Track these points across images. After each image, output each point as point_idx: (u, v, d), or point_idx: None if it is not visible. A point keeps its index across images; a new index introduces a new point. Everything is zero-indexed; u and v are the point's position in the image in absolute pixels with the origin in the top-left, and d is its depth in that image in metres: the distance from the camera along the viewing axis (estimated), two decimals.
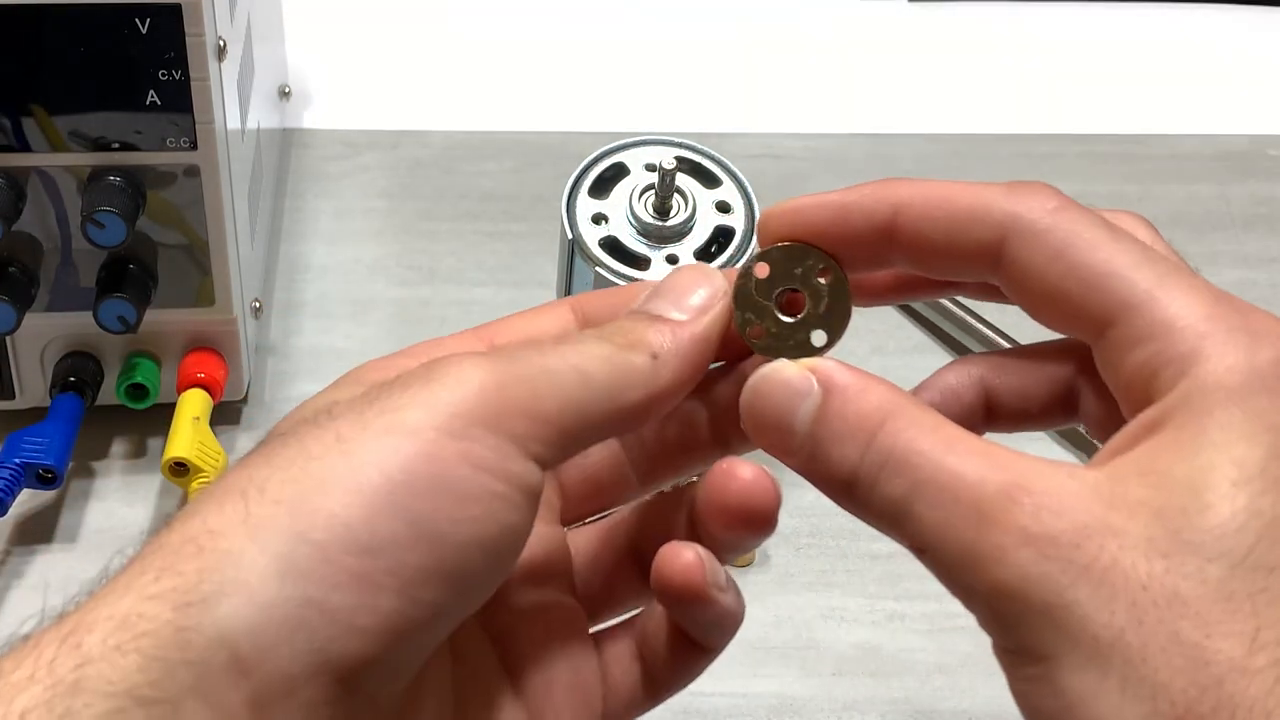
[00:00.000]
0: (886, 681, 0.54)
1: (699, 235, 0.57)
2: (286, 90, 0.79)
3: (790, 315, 0.36)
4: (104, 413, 0.60)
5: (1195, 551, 0.28)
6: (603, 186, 0.58)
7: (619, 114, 0.81)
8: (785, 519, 0.59)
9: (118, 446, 0.61)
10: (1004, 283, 0.34)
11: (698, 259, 0.56)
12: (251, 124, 0.64)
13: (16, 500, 0.56)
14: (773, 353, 0.35)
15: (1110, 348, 0.32)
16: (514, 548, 0.32)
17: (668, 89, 0.83)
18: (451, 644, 0.35)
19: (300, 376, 0.65)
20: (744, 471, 0.35)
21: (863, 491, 0.32)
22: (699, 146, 0.58)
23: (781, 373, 0.34)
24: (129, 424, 0.61)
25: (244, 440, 0.62)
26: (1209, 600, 0.28)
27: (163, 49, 0.53)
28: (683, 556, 0.35)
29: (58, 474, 0.56)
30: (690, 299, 0.35)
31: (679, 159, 0.57)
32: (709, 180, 0.58)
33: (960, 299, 0.68)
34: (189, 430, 0.57)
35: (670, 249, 0.57)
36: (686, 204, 0.57)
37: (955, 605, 0.31)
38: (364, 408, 0.32)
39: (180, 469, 0.56)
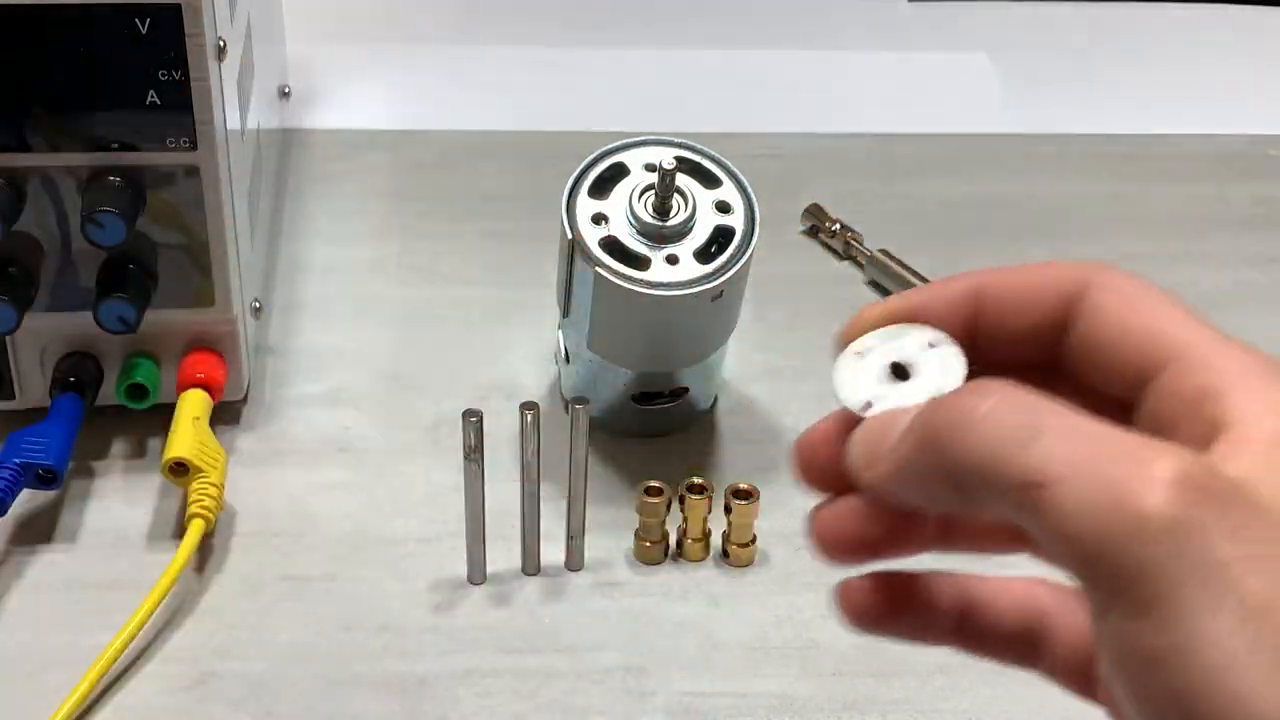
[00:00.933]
0: (886, 681, 0.54)
1: (699, 235, 0.57)
2: (286, 90, 0.79)
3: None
4: (104, 413, 0.60)
5: None
6: (603, 186, 0.58)
7: (619, 114, 0.81)
8: (785, 519, 0.59)
9: (118, 446, 0.61)
10: (1075, 338, 0.35)
11: (697, 259, 0.56)
12: (251, 124, 0.64)
13: (16, 500, 0.56)
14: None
15: (1171, 377, 0.33)
16: None
17: (668, 89, 0.84)
18: None
19: (300, 376, 0.65)
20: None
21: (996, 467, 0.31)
22: (699, 146, 0.58)
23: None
24: (129, 424, 0.61)
25: (244, 440, 0.62)
26: None
27: (162, 49, 0.53)
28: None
29: (58, 474, 0.56)
30: None
31: (679, 159, 0.57)
32: (709, 180, 0.58)
33: None
34: (189, 430, 0.57)
35: (670, 249, 0.57)
36: (686, 204, 0.57)
37: None
38: None
39: (180, 469, 0.56)
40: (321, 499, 0.60)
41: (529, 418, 0.52)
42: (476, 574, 0.56)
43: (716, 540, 0.58)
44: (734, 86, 0.84)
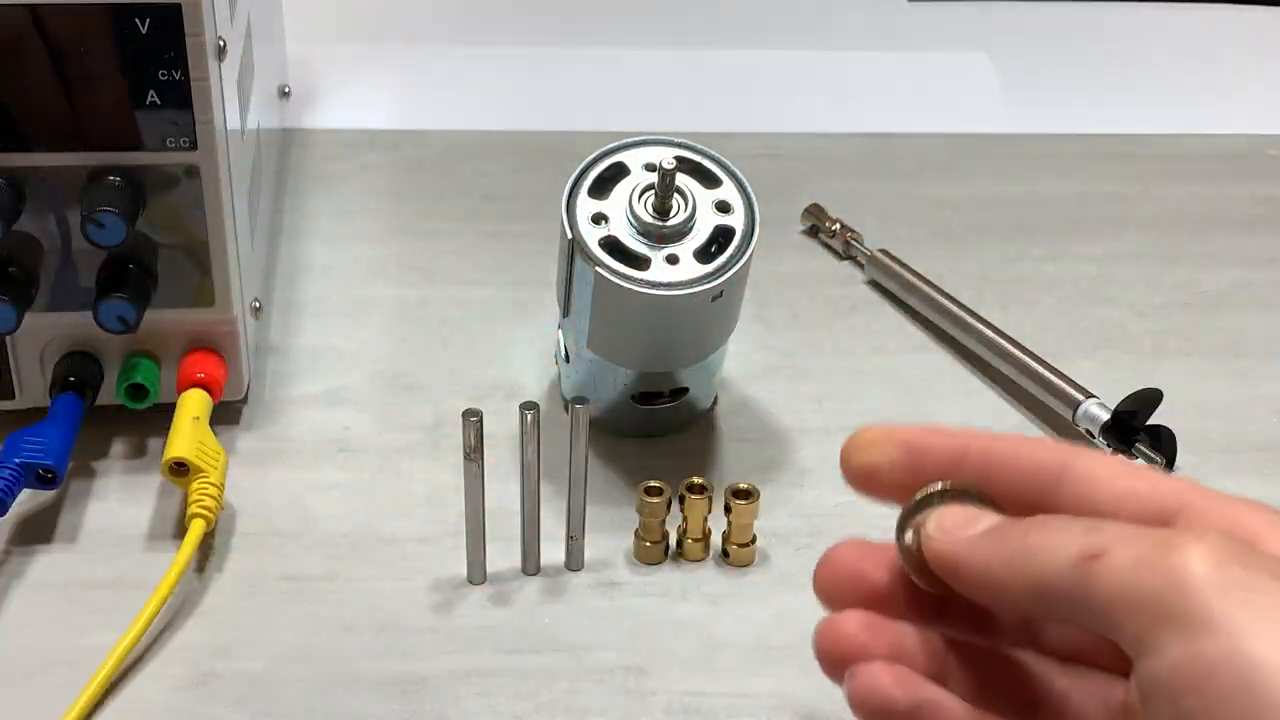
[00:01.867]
0: None
1: (699, 235, 0.57)
2: (286, 90, 0.79)
3: None
4: (104, 413, 0.60)
5: None
6: (603, 186, 0.58)
7: (619, 114, 0.81)
8: (785, 519, 0.59)
9: (118, 446, 0.61)
10: (1068, 502, 0.38)
11: (697, 259, 0.56)
12: (251, 124, 0.64)
13: (16, 500, 0.56)
14: None
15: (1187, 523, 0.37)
16: None
17: (668, 89, 0.84)
18: None
19: (300, 376, 0.65)
20: None
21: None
22: (699, 146, 0.58)
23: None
24: (129, 424, 0.61)
25: (244, 440, 0.62)
26: None
27: (162, 49, 0.53)
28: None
29: (58, 474, 0.56)
30: None
31: (679, 159, 0.57)
32: (709, 180, 0.58)
33: (960, 302, 0.68)
34: (189, 430, 0.57)
35: (670, 249, 0.57)
36: (686, 204, 0.57)
37: None
38: None
39: (180, 469, 0.56)
40: (321, 499, 0.60)
41: (529, 418, 0.52)
42: (476, 574, 0.56)
43: (716, 540, 0.58)
44: (734, 86, 0.84)
